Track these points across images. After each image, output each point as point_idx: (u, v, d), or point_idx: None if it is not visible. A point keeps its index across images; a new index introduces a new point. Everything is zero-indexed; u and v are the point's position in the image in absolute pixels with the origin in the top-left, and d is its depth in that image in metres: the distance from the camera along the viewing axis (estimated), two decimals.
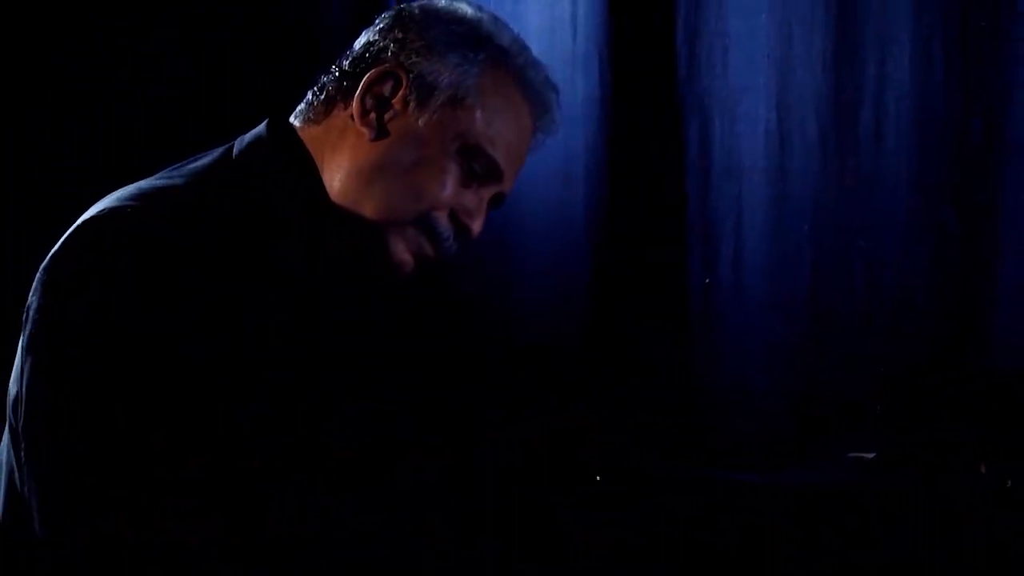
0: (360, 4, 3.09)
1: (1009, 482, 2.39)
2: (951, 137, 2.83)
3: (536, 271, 3.17)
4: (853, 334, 2.90)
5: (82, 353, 1.53)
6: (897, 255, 2.87)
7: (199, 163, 1.76)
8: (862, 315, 2.90)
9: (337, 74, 1.78)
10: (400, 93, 1.73)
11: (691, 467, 2.70)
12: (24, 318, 1.60)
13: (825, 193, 2.93)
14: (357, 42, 1.80)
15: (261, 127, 1.79)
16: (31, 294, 1.60)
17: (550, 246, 3.15)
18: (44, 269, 1.60)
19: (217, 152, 1.78)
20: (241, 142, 1.78)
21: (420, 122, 1.73)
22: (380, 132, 1.73)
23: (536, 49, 3.08)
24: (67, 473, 1.53)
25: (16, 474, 1.63)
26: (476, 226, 1.78)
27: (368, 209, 1.72)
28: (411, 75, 1.73)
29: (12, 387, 1.63)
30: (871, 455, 2.54)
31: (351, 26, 3.01)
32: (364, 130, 1.73)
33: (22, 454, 1.58)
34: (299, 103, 1.84)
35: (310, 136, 1.77)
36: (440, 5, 1.80)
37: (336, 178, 1.74)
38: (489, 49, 1.77)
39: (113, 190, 1.66)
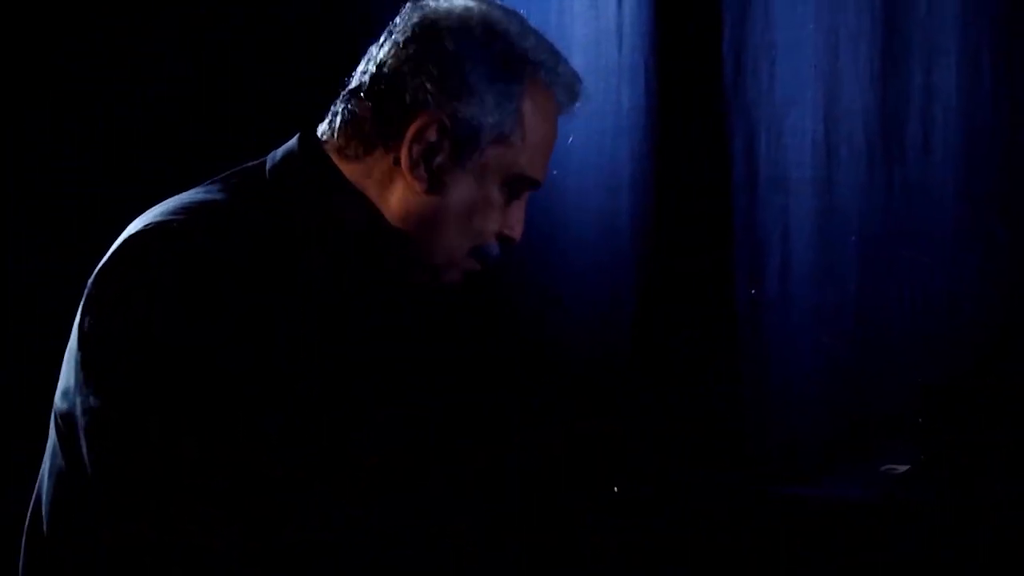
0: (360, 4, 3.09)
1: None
2: (998, 147, 2.81)
3: (582, 281, 3.17)
4: (899, 344, 2.89)
5: (128, 366, 1.55)
6: (944, 265, 2.86)
7: (235, 178, 1.76)
8: (908, 325, 2.88)
9: (370, 107, 1.73)
10: (443, 140, 1.70)
11: (725, 476, 2.70)
12: (78, 334, 1.62)
13: (872, 204, 2.93)
14: (382, 61, 1.73)
15: (293, 142, 1.78)
16: (81, 309, 1.63)
17: (596, 256, 3.16)
18: (93, 283, 1.62)
19: (251, 166, 1.79)
20: (273, 157, 1.78)
21: (468, 166, 1.71)
22: (431, 183, 1.71)
23: (581, 60, 3.14)
24: (109, 480, 1.56)
25: (65, 485, 1.66)
26: (518, 232, 1.79)
27: (425, 252, 1.73)
28: (451, 121, 1.70)
29: (60, 399, 1.66)
30: (904, 468, 2.53)
31: (351, 26, 3.03)
32: (415, 182, 1.71)
33: (89, 468, 1.61)
34: (314, 112, 1.81)
35: (351, 171, 1.74)
36: (471, 21, 1.74)
37: (391, 224, 1.73)
38: (525, 71, 1.73)
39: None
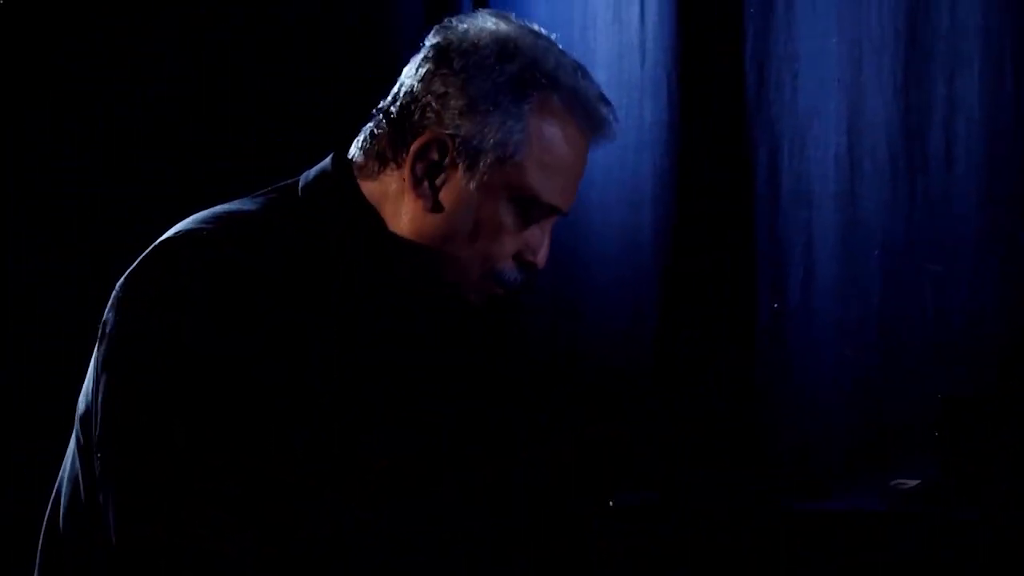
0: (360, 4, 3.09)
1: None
2: (1021, 158, 2.81)
3: (604, 295, 3.17)
4: (922, 357, 2.88)
5: (155, 372, 1.57)
6: (967, 278, 2.86)
7: (270, 193, 1.78)
8: (931, 338, 2.88)
9: (386, 126, 1.75)
10: (448, 159, 1.70)
11: (744, 487, 2.69)
12: (100, 334, 1.64)
13: (895, 217, 2.92)
14: (402, 82, 1.76)
15: (327, 162, 1.80)
16: (107, 311, 1.64)
17: (618, 270, 3.16)
18: (121, 287, 1.64)
19: (286, 184, 1.81)
20: (307, 176, 1.80)
21: (472, 185, 1.70)
22: (435, 202, 1.71)
23: (605, 75, 3.14)
24: (121, 481, 1.57)
25: (82, 487, 1.68)
26: (540, 259, 1.77)
27: (435, 272, 1.73)
28: (456, 139, 1.70)
29: (82, 401, 1.68)
30: (914, 482, 2.52)
31: (352, 26, 3.04)
32: (419, 200, 1.72)
33: (97, 467, 1.62)
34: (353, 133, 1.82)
35: (369, 190, 1.76)
36: (481, 41, 1.73)
37: (401, 242, 1.74)
38: (537, 91, 1.71)
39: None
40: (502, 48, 1.72)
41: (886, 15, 2.93)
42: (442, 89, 1.71)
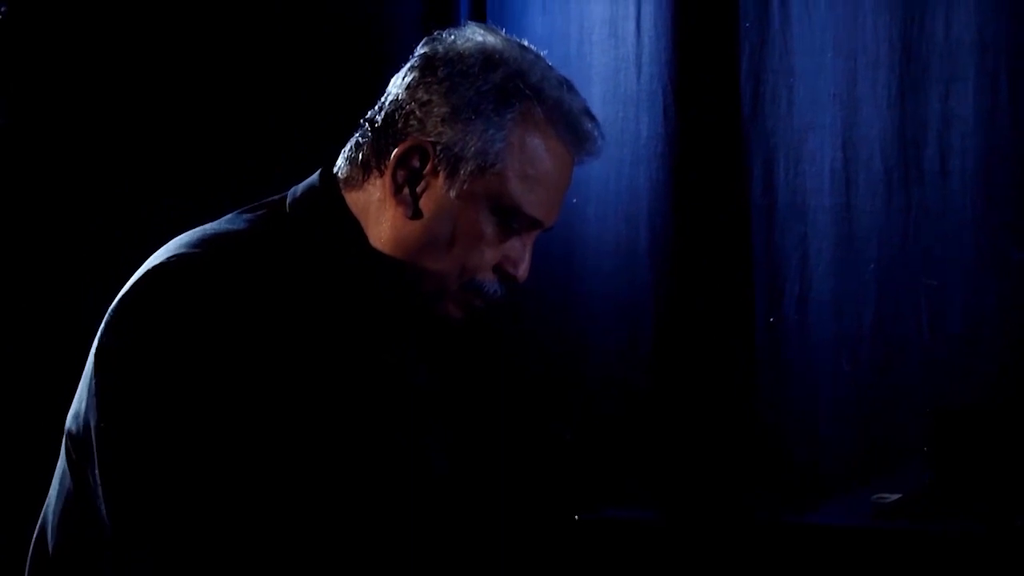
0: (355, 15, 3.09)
1: None
2: (1016, 172, 2.81)
3: (600, 309, 3.17)
4: (918, 370, 2.88)
5: (145, 397, 1.57)
6: (963, 291, 2.86)
7: (258, 210, 1.78)
8: (927, 351, 2.88)
9: (371, 134, 1.76)
10: (429, 165, 1.71)
11: (739, 501, 2.70)
12: (96, 359, 1.64)
13: (890, 230, 2.93)
14: (389, 92, 1.77)
15: (315, 176, 1.80)
16: (100, 335, 1.64)
17: (614, 284, 3.16)
18: (115, 312, 1.64)
19: (274, 199, 1.81)
20: (295, 192, 1.80)
21: (452, 193, 1.70)
22: (415, 209, 1.72)
23: (601, 89, 3.15)
24: (116, 505, 1.58)
25: (74, 501, 1.68)
26: (521, 272, 1.76)
27: (414, 281, 1.73)
28: (437, 146, 1.70)
29: (72, 421, 1.68)
30: (895, 496, 2.52)
31: (351, 26, 3.04)
32: (400, 207, 1.72)
33: (98, 488, 1.62)
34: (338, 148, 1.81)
35: (353, 200, 1.76)
36: (466, 51, 1.74)
37: (382, 250, 1.74)
38: (519, 101, 1.71)
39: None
40: (487, 58, 1.73)
41: (881, 30, 2.94)
42: (426, 97, 1.72)
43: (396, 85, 1.76)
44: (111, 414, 1.59)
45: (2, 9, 2.83)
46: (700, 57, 3.10)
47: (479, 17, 3.25)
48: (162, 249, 1.70)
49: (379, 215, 1.74)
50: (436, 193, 1.71)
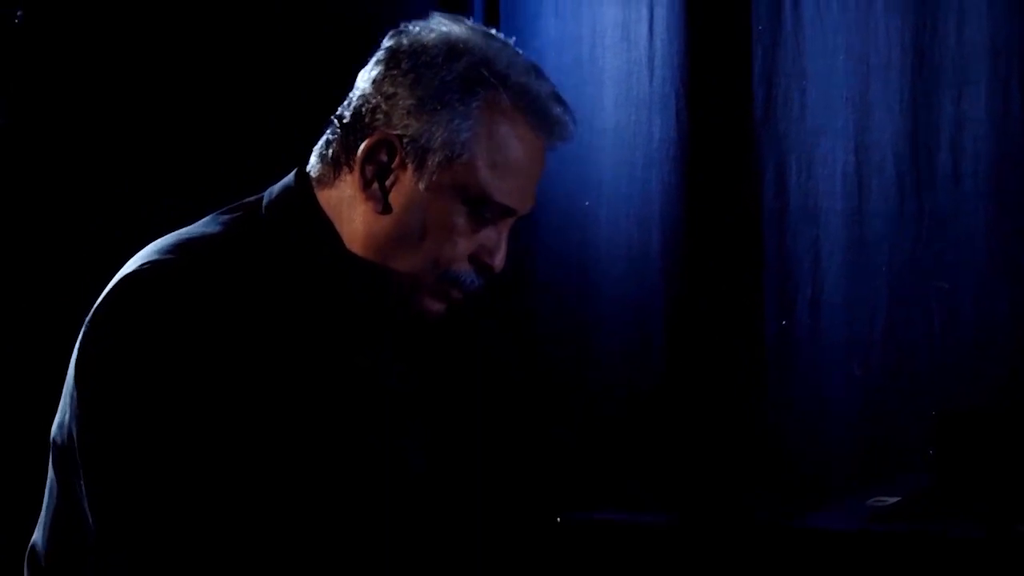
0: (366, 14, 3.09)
1: None
2: None
3: (612, 313, 3.18)
4: (930, 375, 2.88)
5: (124, 408, 1.57)
6: (975, 296, 2.86)
7: (234, 212, 1.77)
8: (939, 355, 2.88)
9: (340, 131, 1.74)
10: (397, 159, 1.69)
11: (746, 504, 2.69)
12: (75, 370, 1.64)
13: (902, 234, 2.92)
14: (355, 87, 1.76)
15: (290, 177, 1.79)
16: (78, 345, 1.64)
17: (626, 288, 3.16)
18: (89, 322, 1.64)
19: (250, 201, 1.79)
20: (271, 193, 1.79)
21: (421, 186, 1.69)
22: (385, 203, 1.70)
23: (613, 92, 3.16)
24: (102, 517, 1.59)
25: (62, 512, 1.69)
26: (497, 262, 1.74)
27: (390, 277, 1.72)
28: (404, 139, 1.69)
29: (57, 432, 1.69)
30: (893, 500, 2.51)
31: (362, 27, 3.04)
32: (370, 202, 1.71)
33: (83, 499, 1.63)
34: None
35: (325, 198, 1.75)
36: (430, 42, 1.72)
37: (356, 249, 1.73)
38: (484, 89, 1.70)
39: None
40: (451, 48, 1.71)
41: (893, 33, 2.93)
42: (391, 90, 1.70)
43: (363, 79, 1.74)
44: (93, 424, 1.60)
45: (18, 14, 2.84)
46: (712, 60, 3.10)
47: (492, 20, 3.25)
48: (136, 255, 1.69)
49: (351, 212, 1.73)
50: (405, 186, 1.70)
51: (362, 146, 1.70)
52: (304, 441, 1.64)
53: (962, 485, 2.48)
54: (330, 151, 1.75)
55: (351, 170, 1.72)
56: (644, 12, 3.15)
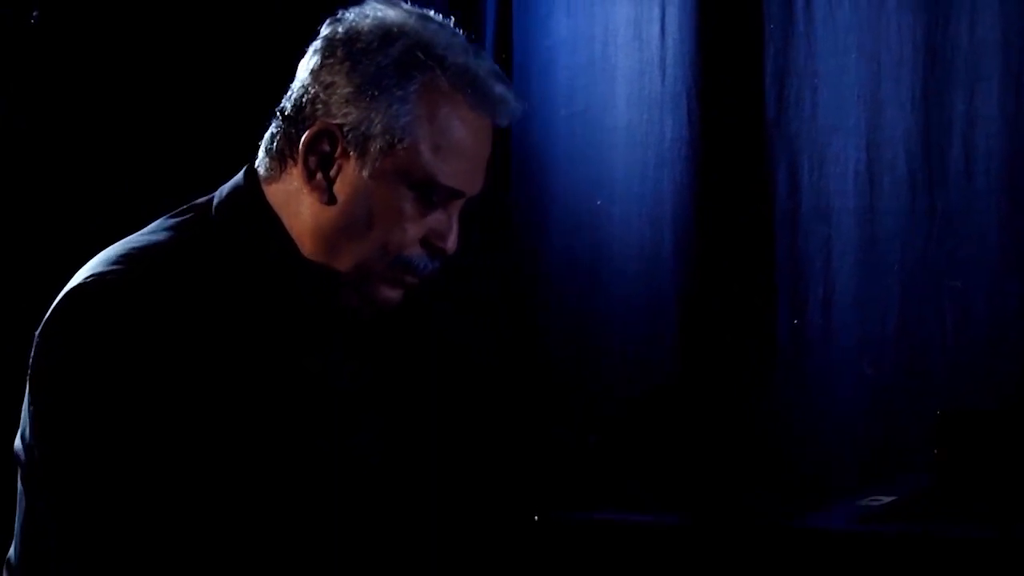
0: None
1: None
2: None
3: (624, 313, 3.17)
4: (943, 374, 2.87)
5: (77, 417, 1.58)
6: (988, 294, 2.85)
7: (185, 214, 1.77)
8: (951, 354, 2.87)
9: (283, 124, 1.74)
10: (339, 148, 1.69)
11: (752, 504, 2.69)
12: (28, 382, 1.65)
13: (914, 232, 2.91)
14: (296, 78, 1.75)
15: (239, 175, 1.79)
16: (31, 359, 1.65)
17: (637, 287, 3.16)
18: (38, 335, 1.64)
19: (201, 202, 1.79)
20: (220, 193, 1.78)
21: (365, 173, 1.68)
22: (330, 194, 1.70)
23: (625, 91, 3.16)
24: (61, 527, 1.60)
25: (29, 521, 1.70)
26: (450, 245, 1.74)
27: (342, 268, 1.71)
28: (344, 128, 1.68)
29: (18, 441, 1.69)
30: (888, 499, 2.50)
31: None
32: (315, 193, 1.70)
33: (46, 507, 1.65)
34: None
35: (272, 193, 1.75)
36: (365, 28, 1.71)
37: (305, 243, 1.72)
38: (421, 72, 1.69)
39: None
40: (386, 33, 1.71)
41: (905, 31, 2.93)
42: (329, 79, 1.70)
43: (302, 70, 1.74)
44: (47, 436, 1.61)
45: (34, 14, 2.85)
46: (724, 59, 3.10)
47: (504, 20, 3.26)
48: (84, 267, 1.69)
49: (298, 205, 1.72)
50: (349, 175, 1.69)
51: (304, 137, 1.70)
52: (253, 446, 1.63)
53: (964, 485, 2.48)
54: (275, 144, 1.74)
55: (296, 163, 1.71)
56: (656, 11, 3.15)
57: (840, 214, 3.00)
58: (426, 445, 1.88)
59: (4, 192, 2.88)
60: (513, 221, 3.26)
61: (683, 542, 2.53)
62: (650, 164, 3.16)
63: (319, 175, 1.70)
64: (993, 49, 2.85)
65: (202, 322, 1.62)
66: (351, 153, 1.69)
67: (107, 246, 1.72)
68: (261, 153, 1.77)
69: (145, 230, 1.75)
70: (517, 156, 3.26)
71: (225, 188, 1.78)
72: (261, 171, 1.76)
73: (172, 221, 1.75)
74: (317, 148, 1.70)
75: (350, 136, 1.69)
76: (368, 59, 1.69)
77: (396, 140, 1.68)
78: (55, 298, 1.65)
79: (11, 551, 1.73)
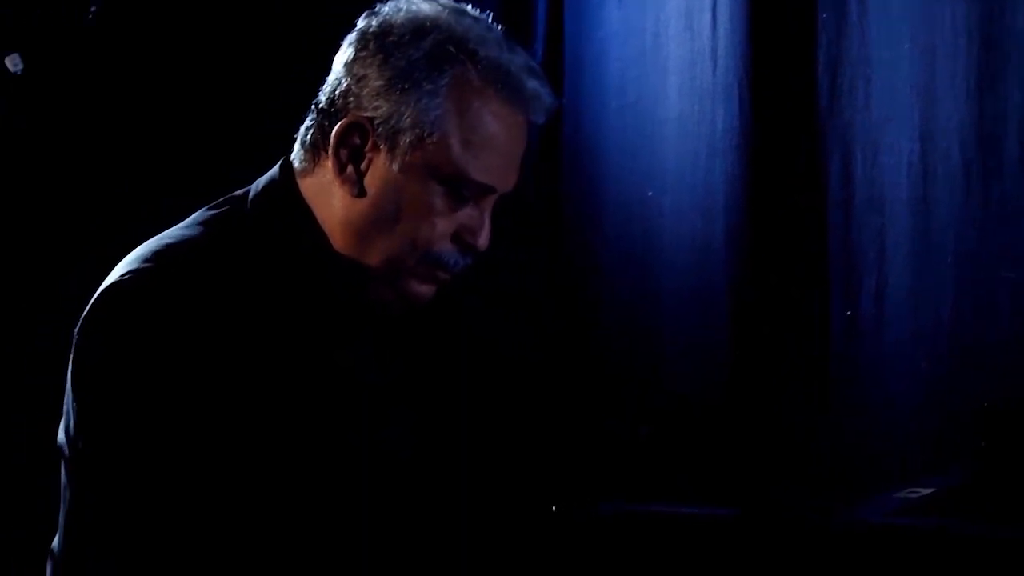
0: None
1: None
2: None
3: (675, 305, 3.17)
4: (997, 368, 2.85)
5: (115, 414, 1.61)
6: None
7: (219, 210, 1.78)
8: (1006, 347, 2.85)
9: (317, 117, 1.75)
10: (369, 141, 1.69)
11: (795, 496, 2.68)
12: (69, 377, 1.68)
13: (969, 224, 2.89)
14: (332, 71, 1.76)
15: (275, 169, 1.80)
16: (72, 356, 1.68)
17: (690, 279, 3.15)
18: (77, 332, 1.67)
19: (237, 196, 1.80)
20: (256, 187, 1.79)
21: (395, 167, 1.69)
22: (361, 187, 1.70)
23: (676, 81, 3.15)
24: (100, 517, 1.62)
25: (73, 514, 1.72)
26: (481, 241, 1.74)
27: (372, 263, 1.71)
28: (375, 121, 1.69)
29: (61, 437, 1.72)
30: (927, 491, 2.48)
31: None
32: (346, 186, 1.71)
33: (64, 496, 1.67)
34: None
35: (306, 187, 1.75)
36: (398, 21, 1.72)
37: (336, 237, 1.73)
38: (452, 66, 1.69)
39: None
40: (418, 27, 1.71)
41: (959, 19, 2.90)
42: (361, 72, 1.71)
43: (337, 63, 1.75)
44: (88, 429, 1.64)
45: (91, 10, 2.87)
46: (776, 49, 3.08)
47: (555, 12, 3.26)
48: (120, 264, 1.71)
49: (329, 198, 1.73)
50: (379, 169, 1.70)
51: (335, 130, 1.70)
52: (284, 439, 1.65)
53: (1007, 479, 2.45)
54: (309, 137, 1.76)
55: (328, 155, 1.72)
56: (707, 1, 3.14)
57: (893, 205, 2.98)
58: (456, 440, 1.89)
59: (37, 188, 2.91)
60: (564, 214, 3.26)
61: (733, 535, 2.52)
62: (702, 155, 3.15)
63: (350, 168, 1.71)
64: None
65: (234, 317, 1.64)
66: (381, 146, 1.70)
67: (144, 241, 1.73)
68: (296, 146, 1.78)
69: (182, 224, 1.77)
70: (568, 149, 3.26)
71: (261, 181, 1.80)
72: (296, 164, 1.77)
73: (208, 215, 1.77)
74: (348, 141, 1.70)
75: (380, 129, 1.69)
76: (399, 52, 1.70)
77: (426, 134, 1.68)
78: (91, 294, 1.67)
79: (55, 541, 1.76)
